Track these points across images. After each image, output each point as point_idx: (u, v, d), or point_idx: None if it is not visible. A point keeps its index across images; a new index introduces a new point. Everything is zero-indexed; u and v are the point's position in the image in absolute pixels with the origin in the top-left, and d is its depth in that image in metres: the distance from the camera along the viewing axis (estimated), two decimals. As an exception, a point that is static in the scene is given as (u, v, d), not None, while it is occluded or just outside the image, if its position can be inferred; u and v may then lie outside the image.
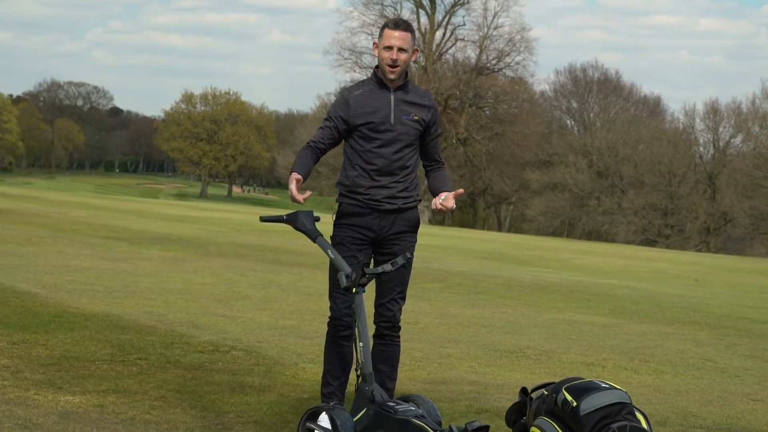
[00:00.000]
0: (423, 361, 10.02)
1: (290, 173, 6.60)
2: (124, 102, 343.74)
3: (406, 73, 6.81)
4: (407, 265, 6.67)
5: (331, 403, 5.96)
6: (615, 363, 10.88)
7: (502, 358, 10.41)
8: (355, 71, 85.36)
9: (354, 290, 5.98)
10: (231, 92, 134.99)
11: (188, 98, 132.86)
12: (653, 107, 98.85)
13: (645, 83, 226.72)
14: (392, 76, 6.68)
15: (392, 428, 5.64)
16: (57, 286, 13.90)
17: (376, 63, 6.82)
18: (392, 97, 6.74)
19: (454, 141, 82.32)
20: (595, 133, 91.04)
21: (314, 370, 9.01)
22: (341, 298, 6.68)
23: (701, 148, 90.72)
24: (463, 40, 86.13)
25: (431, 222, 78.82)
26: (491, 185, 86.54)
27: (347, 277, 6.02)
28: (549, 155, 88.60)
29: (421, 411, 5.72)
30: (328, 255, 6.19)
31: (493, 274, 22.47)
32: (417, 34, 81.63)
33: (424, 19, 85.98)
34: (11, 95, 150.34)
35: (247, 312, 12.72)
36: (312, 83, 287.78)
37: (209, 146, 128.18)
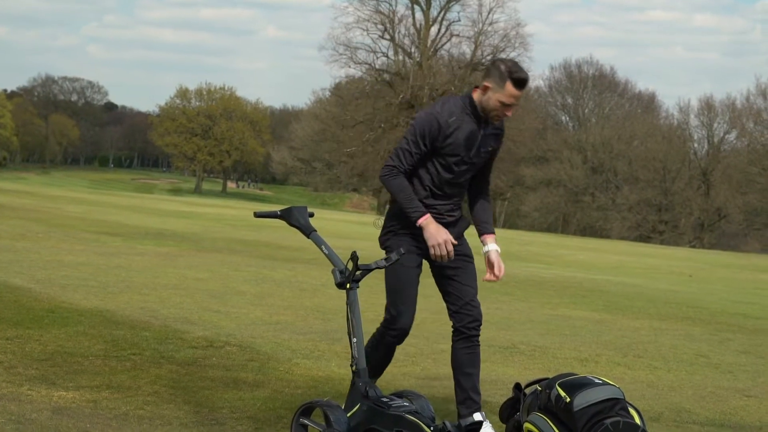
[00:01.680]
0: (417, 356, 10.02)
1: (415, 215, 6.48)
2: (118, 97, 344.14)
3: None
4: (472, 260, 6.78)
5: (328, 401, 5.95)
6: (609, 359, 10.89)
7: (496, 354, 10.41)
8: (350, 67, 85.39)
9: (348, 286, 5.97)
10: (226, 87, 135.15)
11: (183, 93, 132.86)
12: (648, 103, 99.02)
13: (640, 79, 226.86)
14: (497, 122, 6.55)
15: (386, 424, 5.64)
16: (51, 282, 13.89)
17: (473, 91, 6.54)
18: (482, 132, 6.56)
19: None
20: (590, 129, 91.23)
21: (308, 366, 9.02)
22: (410, 309, 6.64)
23: (696, 144, 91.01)
24: (458, 35, 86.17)
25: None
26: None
27: (341, 272, 6.01)
28: (544, 151, 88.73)
29: (414, 407, 5.72)
30: (322, 251, 6.18)
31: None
32: (412, 30, 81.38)
33: (419, 15, 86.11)
34: (5, 90, 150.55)
35: (242, 307, 12.71)
36: (307, 79, 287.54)
37: (204, 142, 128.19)
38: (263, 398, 7.53)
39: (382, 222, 6.90)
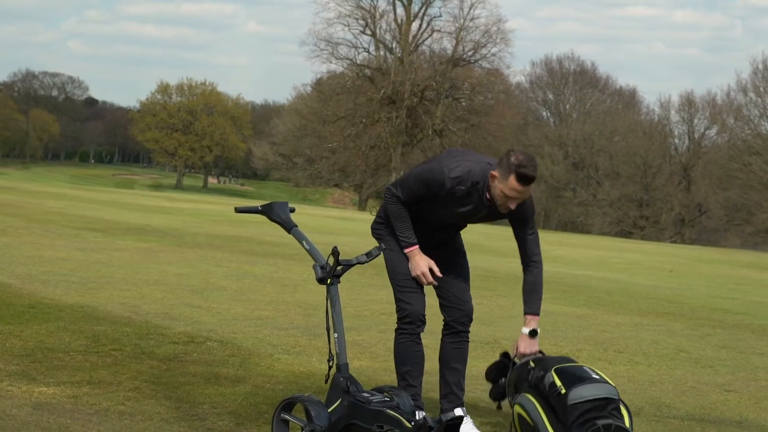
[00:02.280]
0: (398, 351, 10.01)
1: (404, 243, 6.55)
2: (99, 92, 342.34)
3: None
4: (464, 257, 6.85)
5: (309, 396, 5.95)
6: (589, 354, 10.91)
7: (477, 349, 10.42)
8: (331, 62, 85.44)
9: (329, 281, 5.96)
10: (207, 83, 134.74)
11: (164, 89, 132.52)
12: (629, 99, 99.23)
13: (620, 75, 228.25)
14: (504, 211, 6.46)
15: (366, 419, 5.64)
16: (31, 277, 13.85)
17: (485, 169, 6.43)
18: (487, 210, 6.54)
19: (430, 132, 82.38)
20: (571, 125, 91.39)
21: (289, 361, 9.02)
22: (418, 295, 6.66)
23: (676, 140, 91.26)
24: (439, 31, 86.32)
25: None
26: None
27: (322, 268, 6.00)
28: (525, 147, 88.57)
29: (395, 402, 5.72)
30: (303, 246, 6.17)
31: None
32: (393, 25, 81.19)
33: (400, 10, 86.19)
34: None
35: (223, 303, 12.70)
36: (288, 74, 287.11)
37: (185, 137, 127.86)
38: (244, 393, 7.53)
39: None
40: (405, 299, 6.66)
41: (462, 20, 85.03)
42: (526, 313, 6.65)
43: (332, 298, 5.93)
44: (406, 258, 6.66)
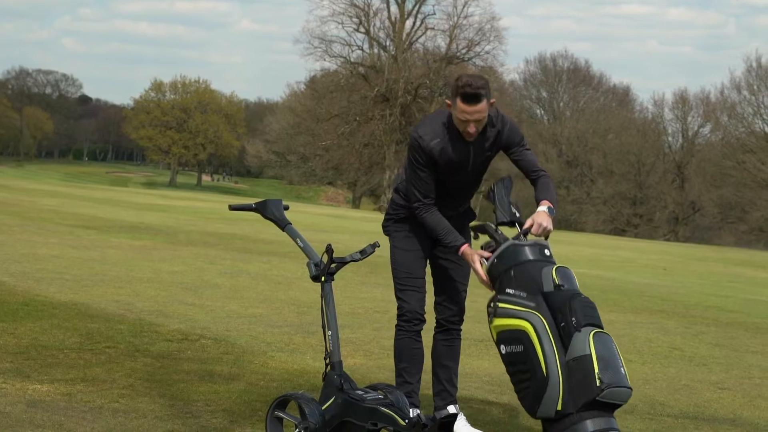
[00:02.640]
0: (392, 349, 10.01)
1: (457, 246, 6.42)
2: (93, 90, 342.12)
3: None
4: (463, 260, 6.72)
5: (303, 394, 5.96)
6: (583, 351, 10.91)
7: (471, 347, 10.43)
8: (325, 60, 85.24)
9: (323, 278, 5.97)
10: (201, 81, 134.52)
11: (157, 86, 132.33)
12: (622, 97, 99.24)
13: (614, 73, 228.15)
14: (470, 139, 6.41)
15: (361, 416, 5.65)
16: (25, 275, 13.84)
17: (445, 112, 6.47)
18: (471, 148, 6.49)
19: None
20: (565, 123, 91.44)
21: (283, 359, 9.02)
22: (417, 294, 6.66)
23: (670, 138, 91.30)
24: (433, 29, 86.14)
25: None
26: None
27: (316, 265, 6.01)
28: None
29: (389, 399, 5.73)
30: (297, 244, 6.17)
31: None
32: (387, 23, 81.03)
33: (394, 8, 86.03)
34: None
35: (216, 300, 12.70)
36: (282, 72, 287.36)
37: (178, 135, 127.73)
38: (238, 391, 7.53)
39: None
40: (404, 297, 6.67)
41: (456, 18, 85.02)
42: (540, 200, 6.56)
43: (326, 295, 5.93)
44: (410, 254, 6.67)
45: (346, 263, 6.03)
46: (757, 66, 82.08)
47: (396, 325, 6.77)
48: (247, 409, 7.02)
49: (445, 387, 6.84)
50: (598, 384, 5.45)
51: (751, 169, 78.35)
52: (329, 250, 5.92)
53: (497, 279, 6.00)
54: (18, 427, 6.15)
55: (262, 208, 6.41)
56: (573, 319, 5.59)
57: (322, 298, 5.96)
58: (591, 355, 5.49)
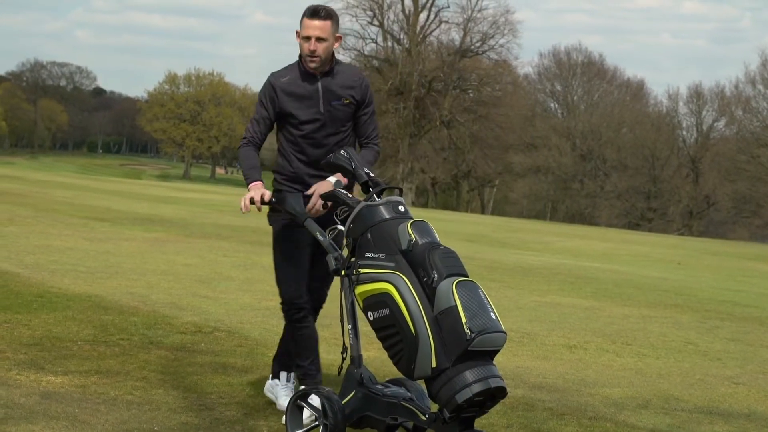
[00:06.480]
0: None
1: (247, 181, 6.57)
2: (107, 82, 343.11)
3: (333, 58, 6.77)
4: None
5: (323, 388, 5.95)
6: (597, 346, 10.91)
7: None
8: (339, 53, 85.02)
9: (344, 272, 5.91)
10: (214, 73, 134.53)
11: (172, 79, 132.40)
12: (636, 90, 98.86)
13: (628, 66, 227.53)
14: (312, 65, 6.63)
15: (381, 411, 5.63)
16: (39, 267, 13.86)
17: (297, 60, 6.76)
18: (319, 84, 6.70)
19: (438, 123, 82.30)
20: (579, 116, 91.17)
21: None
22: (294, 283, 6.80)
23: (684, 132, 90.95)
24: (447, 22, 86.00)
25: (414, 204, 78.90)
26: (475, 168, 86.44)
27: (336, 259, 5.95)
28: (532, 138, 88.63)
29: (410, 394, 5.71)
30: (317, 237, 6.13)
31: (476, 256, 22.48)
32: (401, 16, 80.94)
33: (408, 1, 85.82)
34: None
35: (230, 293, 12.70)
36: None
37: (192, 127, 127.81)
38: (252, 383, 7.53)
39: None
40: (282, 287, 6.91)
41: (470, 11, 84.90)
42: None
43: (346, 289, 5.89)
44: (290, 244, 6.84)
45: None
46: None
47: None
48: (260, 401, 7.03)
49: (283, 358, 7.11)
50: (467, 333, 5.30)
51: (765, 163, 78.12)
52: (350, 243, 5.88)
53: (356, 244, 5.84)
54: (32, 419, 6.16)
55: (281, 202, 6.39)
56: (434, 272, 5.44)
57: (341, 291, 5.93)
58: (456, 305, 5.32)
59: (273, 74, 6.77)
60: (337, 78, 6.76)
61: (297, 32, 6.67)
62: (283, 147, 6.84)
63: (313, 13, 6.60)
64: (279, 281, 6.90)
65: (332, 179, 6.53)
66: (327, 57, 6.67)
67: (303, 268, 6.82)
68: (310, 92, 6.68)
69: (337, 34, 6.71)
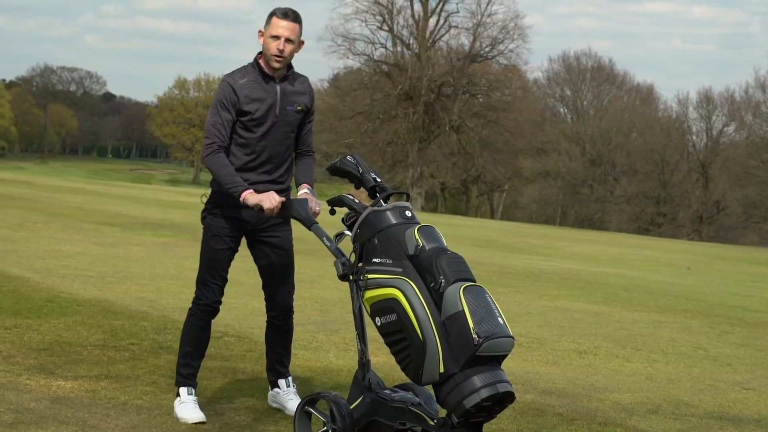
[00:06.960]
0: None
1: (239, 188, 6.53)
2: (117, 87, 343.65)
3: (290, 64, 6.82)
4: (291, 254, 7.00)
5: (331, 393, 5.95)
6: (607, 351, 10.89)
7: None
8: (348, 58, 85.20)
9: (351, 277, 5.91)
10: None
11: (181, 84, 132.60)
12: (646, 95, 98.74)
13: (638, 71, 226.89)
14: (277, 65, 6.68)
15: (389, 416, 5.63)
16: (49, 272, 13.89)
17: (260, 50, 6.80)
18: (278, 88, 6.75)
19: (447, 128, 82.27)
20: (588, 121, 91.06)
21: (306, 357, 9.02)
22: (217, 288, 6.98)
23: (694, 137, 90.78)
24: (456, 27, 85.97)
25: (424, 209, 78.85)
26: (484, 173, 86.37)
27: (343, 265, 5.95)
28: (542, 143, 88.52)
29: (418, 399, 5.71)
30: (324, 243, 6.14)
31: (485, 261, 22.47)
32: (410, 21, 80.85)
33: (417, 6, 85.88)
34: (4, 80, 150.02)
35: (240, 298, 12.70)
36: (305, 69, 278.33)
37: (202, 132, 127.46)
38: (262, 389, 7.53)
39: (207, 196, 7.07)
40: (203, 290, 7.01)
41: (479, 16, 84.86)
42: (302, 183, 6.91)
43: (354, 295, 5.89)
44: (218, 252, 7.01)
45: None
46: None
47: (189, 310, 7.00)
48: (270, 406, 7.03)
49: (275, 367, 7.15)
50: (475, 338, 5.32)
51: (775, 168, 77.97)
52: (357, 249, 5.88)
53: (363, 250, 5.88)
54: (42, 423, 6.17)
55: (287, 208, 6.40)
56: (441, 277, 5.48)
57: (352, 297, 5.93)
58: (464, 310, 5.36)
59: (229, 76, 6.79)
60: (293, 84, 6.85)
61: (260, 31, 6.74)
62: (230, 149, 6.81)
63: (285, 14, 6.69)
64: (202, 282, 6.99)
65: (306, 190, 6.71)
66: (289, 59, 6.75)
67: (226, 272, 7.07)
68: (268, 95, 6.73)
69: (301, 39, 6.80)
